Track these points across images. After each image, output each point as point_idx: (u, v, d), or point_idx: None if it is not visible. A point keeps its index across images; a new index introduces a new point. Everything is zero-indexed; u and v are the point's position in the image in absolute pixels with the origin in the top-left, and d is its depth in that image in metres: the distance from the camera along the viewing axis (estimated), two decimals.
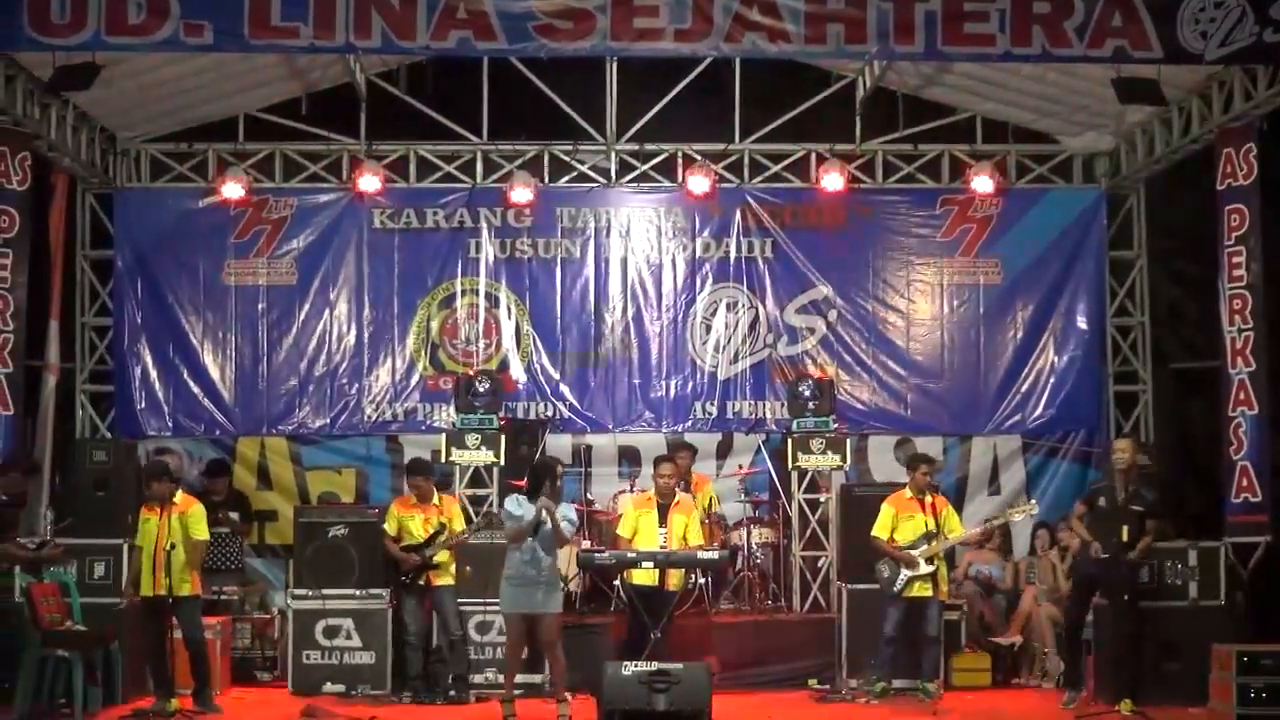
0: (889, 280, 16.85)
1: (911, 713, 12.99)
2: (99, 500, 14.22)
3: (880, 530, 13.60)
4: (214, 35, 13.01)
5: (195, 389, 16.56)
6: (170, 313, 16.58)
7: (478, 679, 13.73)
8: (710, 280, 16.88)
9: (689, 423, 16.77)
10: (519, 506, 12.13)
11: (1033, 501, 14.66)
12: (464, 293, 16.80)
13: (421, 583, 13.57)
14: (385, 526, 13.78)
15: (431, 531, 13.56)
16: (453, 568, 13.67)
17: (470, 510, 15.09)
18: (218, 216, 16.66)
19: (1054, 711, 12.93)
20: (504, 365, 16.68)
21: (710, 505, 15.17)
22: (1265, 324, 14.08)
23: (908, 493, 13.72)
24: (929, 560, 13.37)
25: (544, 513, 11.90)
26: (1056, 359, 16.78)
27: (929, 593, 13.39)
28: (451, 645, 13.58)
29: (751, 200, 16.75)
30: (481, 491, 15.40)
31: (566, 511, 12.27)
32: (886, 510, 13.65)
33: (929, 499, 13.59)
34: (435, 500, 13.79)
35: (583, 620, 14.31)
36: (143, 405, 16.52)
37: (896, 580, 13.41)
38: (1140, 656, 12.82)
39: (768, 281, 16.76)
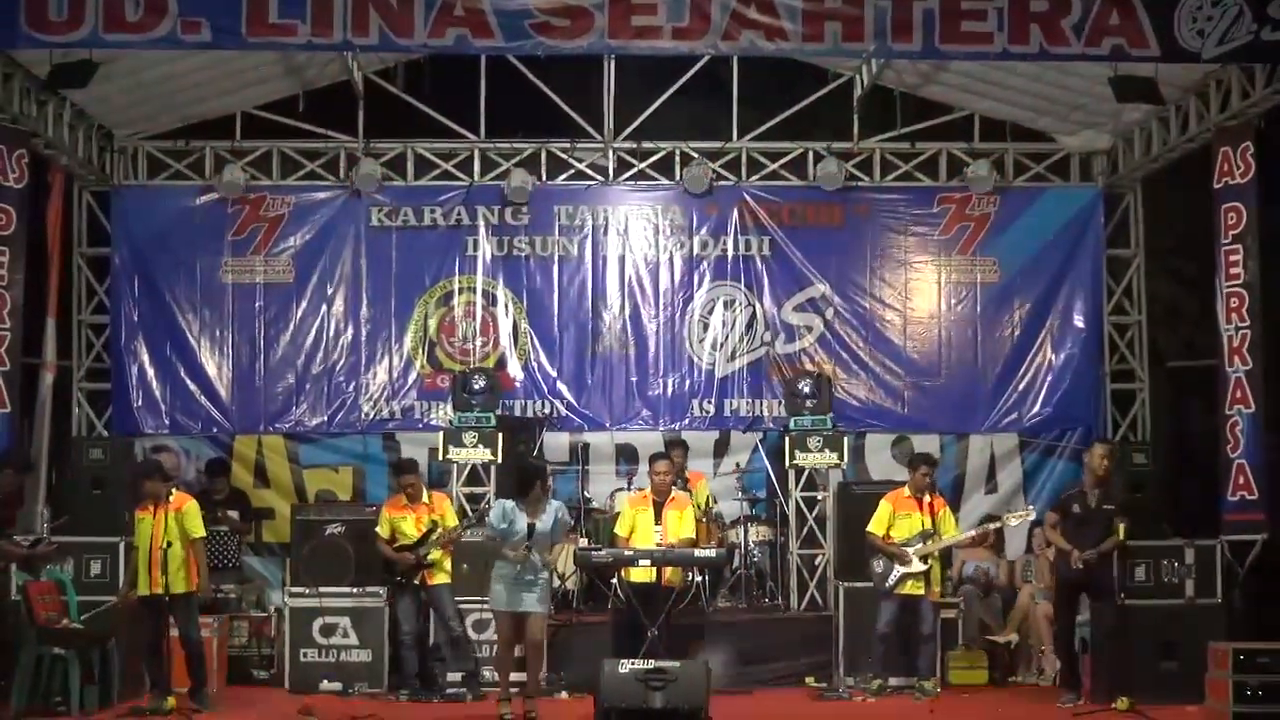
0: (886, 278, 16.87)
1: (908, 711, 13.01)
2: (96, 498, 14.25)
3: (876, 526, 13.62)
4: (211, 33, 12.99)
5: (192, 387, 16.56)
6: (167, 310, 16.58)
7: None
8: (708, 278, 16.89)
9: (686, 420, 16.77)
10: (502, 519, 12.12)
11: (1029, 508, 14.74)
12: (461, 290, 16.80)
13: (416, 582, 13.56)
14: (378, 529, 13.75)
15: (424, 530, 13.55)
16: (448, 564, 13.65)
17: (466, 508, 15.12)
18: (215, 214, 16.67)
19: (1051, 710, 12.91)
20: (501, 363, 16.68)
21: (707, 503, 15.16)
22: (1262, 322, 14.09)
23: (906, 491, 13.74)
24: (923, 559, 13.38)
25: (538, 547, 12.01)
26: (1053, 357, 16.79)
27: (921, 591, 13.40)
28: (454, 642, 13.58)
29: (749, 198, 16.76)
30: (479, 490, 15.40)
31: (560, 513, 12.30)
32: (884, 507, 13.67)
33: (927, 499, 13.61)
34: (426, 498, 13.77)
35: (580, 619, 14.34)
36: (139, 403, 16.52)
37: (889, 577, 13.43)
38: (1132, 654, 12.86)
39: (765, 279, 16.77)
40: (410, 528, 13.58)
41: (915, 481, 13.70)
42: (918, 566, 13.37)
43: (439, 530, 13.54)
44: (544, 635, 12.31)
